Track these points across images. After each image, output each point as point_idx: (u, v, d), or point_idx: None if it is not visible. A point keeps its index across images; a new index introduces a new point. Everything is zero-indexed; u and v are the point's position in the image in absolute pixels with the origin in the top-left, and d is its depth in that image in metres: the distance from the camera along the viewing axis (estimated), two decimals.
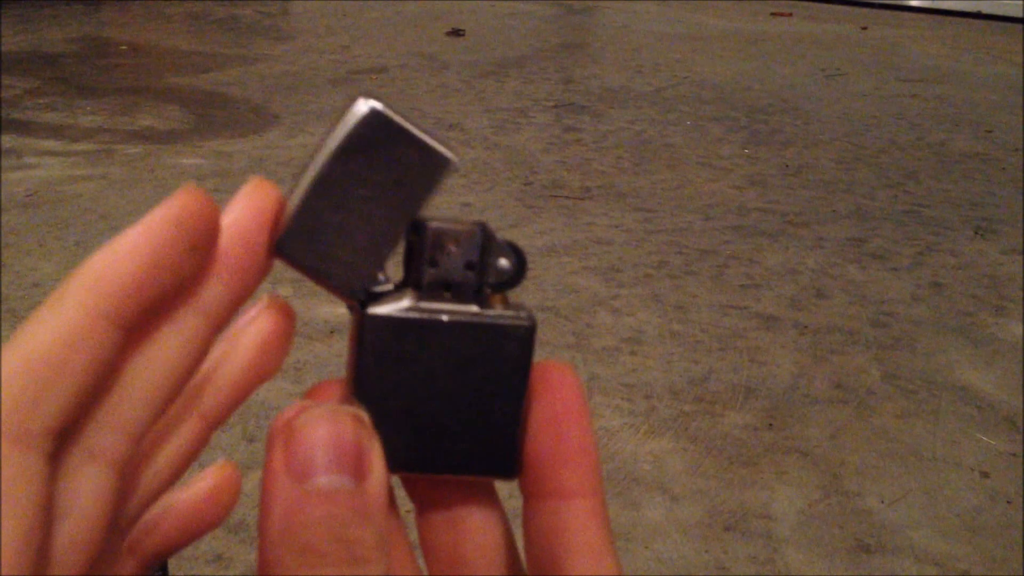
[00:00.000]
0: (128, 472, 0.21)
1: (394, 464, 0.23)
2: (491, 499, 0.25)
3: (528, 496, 0.23)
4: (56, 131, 2.29)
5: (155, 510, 0.23)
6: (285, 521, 0.20)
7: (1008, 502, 1.09)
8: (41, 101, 2.54)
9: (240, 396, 0.23)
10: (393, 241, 0.23)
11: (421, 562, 0.25)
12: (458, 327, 0.23)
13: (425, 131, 0.23)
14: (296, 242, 0.23)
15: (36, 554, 0.19)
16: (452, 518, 0.25)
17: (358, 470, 0.20)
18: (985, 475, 1.14)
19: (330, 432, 0.20)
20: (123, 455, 0.21)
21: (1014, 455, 1.18)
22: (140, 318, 0.20)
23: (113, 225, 1.75)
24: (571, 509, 0.23)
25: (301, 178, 0.23)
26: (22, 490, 0.18)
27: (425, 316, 0.23)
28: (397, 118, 0.23)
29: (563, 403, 0.23)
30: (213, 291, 0.22)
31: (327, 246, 0.23)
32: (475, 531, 0.24)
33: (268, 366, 0.23)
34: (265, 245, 0.22)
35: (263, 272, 0.22)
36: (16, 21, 3.49)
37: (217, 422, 0.23)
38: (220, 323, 0.22)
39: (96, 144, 2.20)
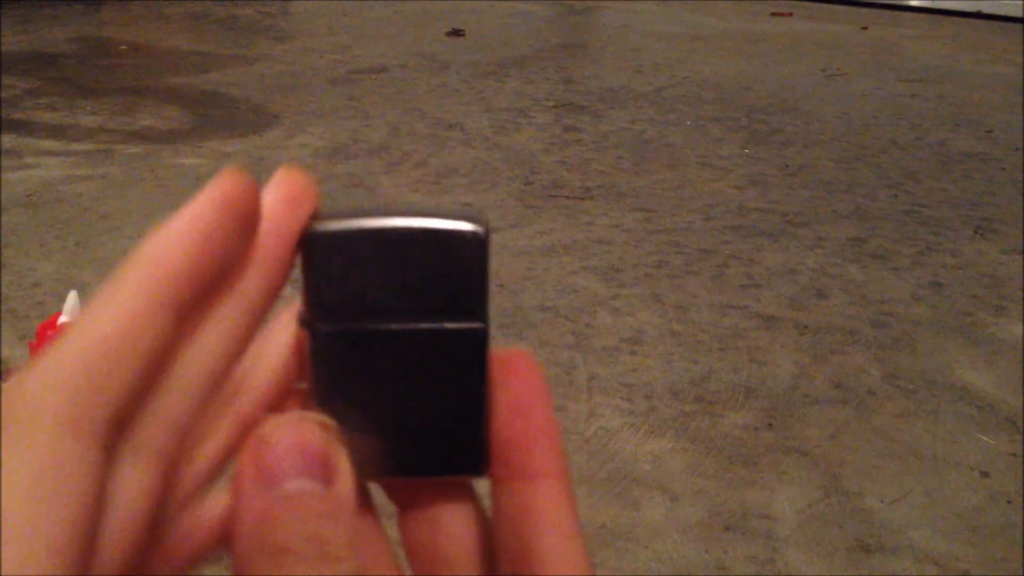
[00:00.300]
0: (171, 470, 0.21)
1: (365, 471, 0.23)
2: (467, 494, 0.25)
3: (496, 479, 0.23)
4: (56, 131, 2.29)
5: (191, 514, 0.22)
6: (257, 526, 0.20)
7: (1008, 502, 1.09)
8: (41, 101, 2.54)
9: (275, 397, 0.23)
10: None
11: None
12: (408, 334, 0.23)
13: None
14: (326, 247, 0.23)
15: (85, 546, 0.18)
16: (430, 517, 0.25)
17: (326, 473, 0.21)
18: (985, 475, 1.14)
19: (296, 439, 0.21)
20: (169, 451, 0.21)
21: (1014, 455, 1.18)
22: (193, 304, 0.20)
23: (113, 225, 1.75)
24: (538, 490, 0.23)
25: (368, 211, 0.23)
26: (78, 480, 0.18)
27: (373, 327, 0.23)
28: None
29: (526, 388, 0.23)
30: (252, 281, 0.22)
31: (350, 269, 0.23)
32: (452, 527, 0.25)
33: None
34: (296, 235, 0.22)
35: (292, 264, 0.22)
36: (16, 21, 3.49)
37: (253, 423, 0.23)
38: (259, 316, 0.22)
39: (96, 144, 2.20)
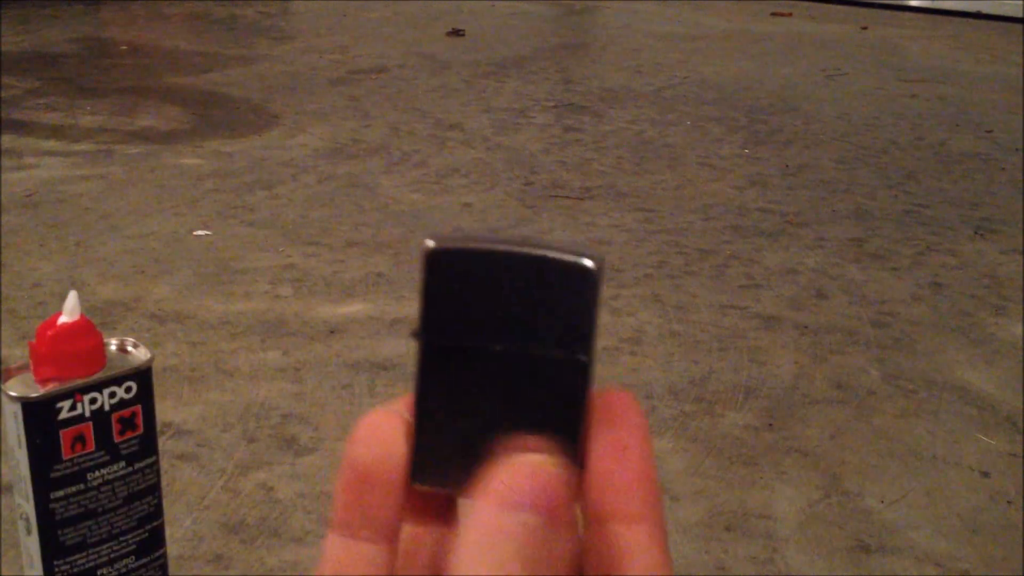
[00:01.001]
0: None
1: (439, 480, 0.25)
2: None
3: (590, 519, 0.24)
4: (56, 131, 2.29)
5: None
6: (479, 538, 0.22)
7: (1008, 502, 1.09)
8: (41, 101, 2.54)
9: None
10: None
11: None
12: (513, 357, 0.24)
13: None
14: (444, 264, 0.24)
15: None
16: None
17: (552, 517, 0.22)
18: (985, 475, 1.14)
19: (538, 480, 0.23)
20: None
21: (1014, 455, 1.18)
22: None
23: (113, 225, 1.75)
24: (632, 533, 0.24)
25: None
26: None
27: (480, 346, 0.24)
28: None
29: (628, 430, 0.24)
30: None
31: (464, 287, 0.24)
32: None
33: None
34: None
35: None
36: (16, 21, 3.49)
37: None
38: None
39: (96, 144, 2.20)
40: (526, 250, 0.24)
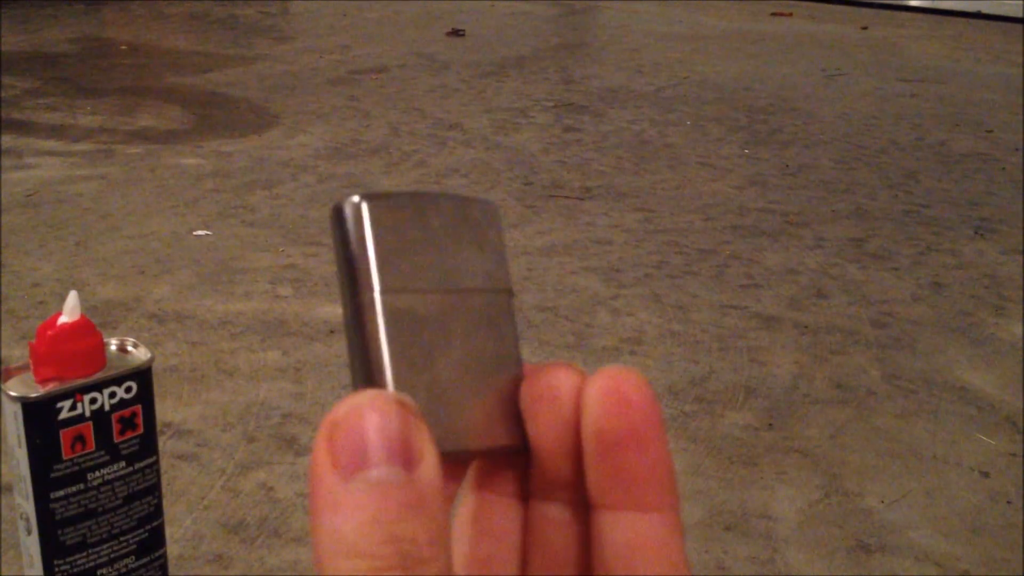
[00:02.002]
0: None
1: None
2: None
3: (607, 507, 0.23)
4: (56, 131, 2.29)
5: None
6: (330, 525, 0.19)
7: (1008, 502, 1.09)
8: (41, 101, 2.54)
9: None
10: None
11: None
12: (454, 299, 0.24)
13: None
14: (379, 216, 0.23)
15: None
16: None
17: (407, 458, 0.19)
18: (985, 475, 1.14)
19: (374, 421, 0.20)
20: None
21: (1014, 455, 1.18)
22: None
23: (113, 225, 1.75)
24: (651, 523, 0.23)
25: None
26: None
27: (427, 294, 0.23)
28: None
29: (643, 418, 0.23)
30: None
31: (401, 236, 0.23)
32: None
33: None
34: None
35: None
36: (16, 21, 3.49)
37: None
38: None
39: (96, 144, 2.20)
40: (438, 194, 0.24)
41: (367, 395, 0.20)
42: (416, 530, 0.19)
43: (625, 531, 0.23)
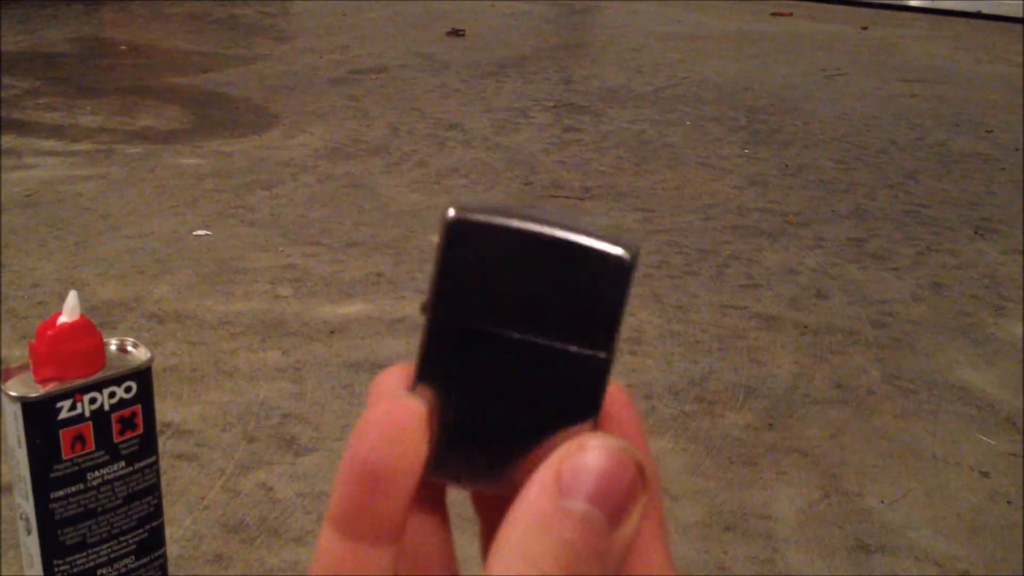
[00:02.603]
0: None
1: (433, 470, 0.23)
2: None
3: None
4: (56, 131, 2.29)
5: None
6: (529, 525, 0.20)
7: (1008, 502, 1.09)
8: (41, 101, 2.54)
9: None
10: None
11: None
12: (527, 347, 0.23)
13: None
14: (467, 237, 0.22)
15: None
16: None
17: (617, 514, 0.20)
18: (985, 475, 1.14)
19: (610, 467, 0.21)
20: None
21: (1014, 455, 1.18)
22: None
23: (113, 225, 1.75)
24: (637, 532, 0.23)
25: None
26: None
27: (493, 331, 0.23)
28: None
29: (627, 427, 0.23)
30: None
31: (486, 265, 0.22)
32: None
33: None
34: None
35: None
36: (16, 21, 3.49)
37: None
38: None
39: (96, 144, 2.20)
40: (556, 232, 0.22)
41: (616, 444, 0.21)
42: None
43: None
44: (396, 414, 0.22)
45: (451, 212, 0.22)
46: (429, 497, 0.24)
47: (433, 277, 0.22)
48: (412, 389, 0.23)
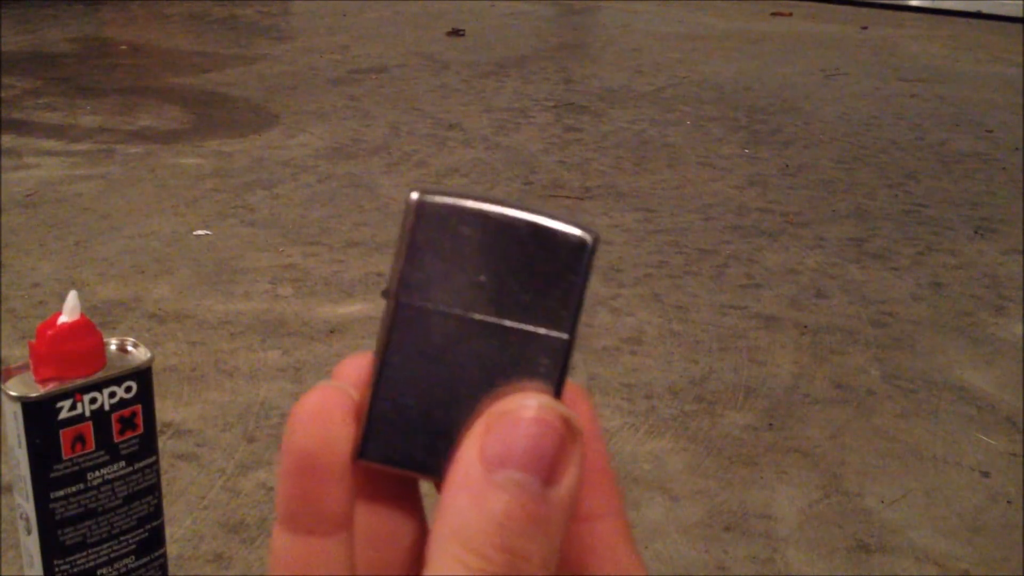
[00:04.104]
0: None
1: (388, 454, 0.23)
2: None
3: None
4: (56, 131, 2.29)
5: None
6: (460, 505, 0.19)
7: (1008, 502, 1.09)
8: (41, 101, 2.54)
9: None
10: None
11: None
12: (489, 328, 0.22)
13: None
14: (432, 220, 0.22)
15: None
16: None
17: (548, 474, 0.20)
18: (985, 475, 1.14)
19: (533, 428, 0.20)
20: None
21: (1014, 455, 1.18)
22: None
23: (113, 225, 1.75)
24: (598, 531, 0.23)
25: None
26: None
27: (457, 312, 0.22)
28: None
29: (582, 420, 0.23)
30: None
31: (450, 247, 0.22)
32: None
33: None
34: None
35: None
36: (16, 21, 3.49)
37: None
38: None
39: (96, 144, 2.20)
40: (519, 214, 0.22)
41: (539, 400, 0.20)
42: (533, 549, 0.19)
43: (572, 542, 0.22)
44: (320, 402, 0.22)
45: (414, 195, 0.22)
46: (399, 492, 0.24)
47: (396, 259, 0.22)
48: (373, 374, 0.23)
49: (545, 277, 0.22)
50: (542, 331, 0.22)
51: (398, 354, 0.22)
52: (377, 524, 0.24)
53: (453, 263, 0.22)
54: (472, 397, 0.22)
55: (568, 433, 0.20)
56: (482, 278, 0.22)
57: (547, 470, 0.20)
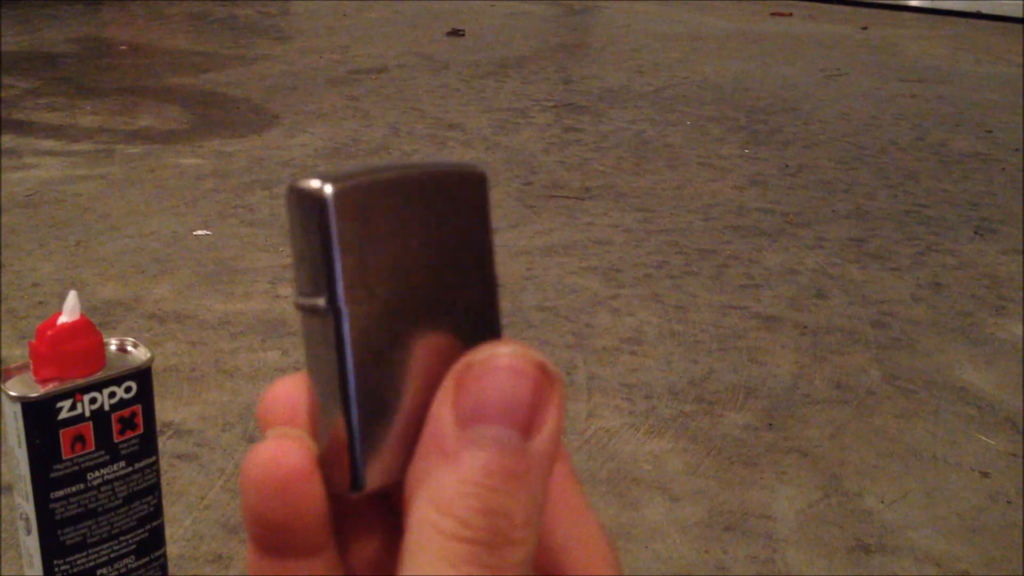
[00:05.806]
0: None
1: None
2: None
3: None
4: (56, 131, 2.29)
5: None
6: (436, 466, 0.18)
7: (1008, 502, 1.09)
8: (41, 101, 2.54)
9: None
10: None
11: None
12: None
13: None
14: (349, 208, 0.19)
15: None
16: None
17: (526, 426, 0.18)
18: (985, 475, 1.14)
19: (506, 378, 0.19)
20: None
21: (1014, 455, 1.18)
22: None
23: (113, 225, 1.75)
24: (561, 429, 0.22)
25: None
26: None
27: (412, 305, 0.21)
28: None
29: None
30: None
31: (375, 233, 0.20)
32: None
33: None
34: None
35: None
36: (16, 21, 3.49)
37: None
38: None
39: (96, 144, 2.20)
40: (412, 171, 0.20)
41: (510, 349, 0.19)
42: (514, 506, 0.18)
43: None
44: (279, 466, 0.20)
45: (327, 188, 0.19)
46: (387, 504, 0.22)
47: (315, 266, 0.20)
48: (334, 404, 0.20)
49: (459, 226, 0.21)
50: (477, 287, 0.21)
51: (361, 368, 0.20)
52: (368, 545, 0.22)
53: (381, 252, 0.20)
54: (435, 379, 0.21)
55: (544, 379, 0.19)
56: (412, 255, 0.20)
57: (524, 422, 0.18)
